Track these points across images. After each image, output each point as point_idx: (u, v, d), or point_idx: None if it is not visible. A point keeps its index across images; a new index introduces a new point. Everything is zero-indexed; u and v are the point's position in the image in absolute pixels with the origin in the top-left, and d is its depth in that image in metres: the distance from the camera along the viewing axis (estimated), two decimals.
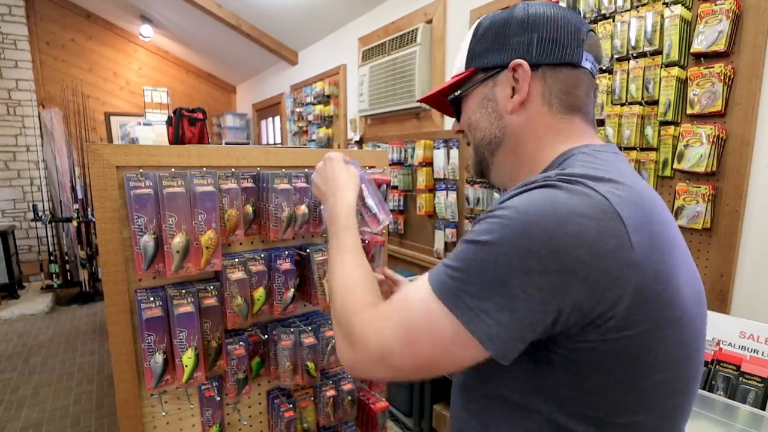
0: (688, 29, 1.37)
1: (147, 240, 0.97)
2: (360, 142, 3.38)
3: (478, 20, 0.64)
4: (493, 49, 0.61)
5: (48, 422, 2.32)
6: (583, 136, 0.59)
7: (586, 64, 0.58)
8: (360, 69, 3.12)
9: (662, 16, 1.39)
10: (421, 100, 0.73)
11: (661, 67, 1.42)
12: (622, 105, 1.54)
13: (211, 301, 1.07)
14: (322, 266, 1.20)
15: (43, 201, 4.46)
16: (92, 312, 4.00)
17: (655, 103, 1.45)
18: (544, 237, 0.43)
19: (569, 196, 0.45)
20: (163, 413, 1.11)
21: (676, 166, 1.41)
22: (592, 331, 0.44)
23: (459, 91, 0.66)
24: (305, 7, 3.44)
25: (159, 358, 1.01)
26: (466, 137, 0.68)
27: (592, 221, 0.43)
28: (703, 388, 1.21)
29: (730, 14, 1.26)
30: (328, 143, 3.89)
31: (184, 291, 1.03)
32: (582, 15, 1.65)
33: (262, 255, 1.15)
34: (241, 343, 1.14)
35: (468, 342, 0.45)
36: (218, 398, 1.15)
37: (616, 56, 1.54)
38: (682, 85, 1.39)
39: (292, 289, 1.17)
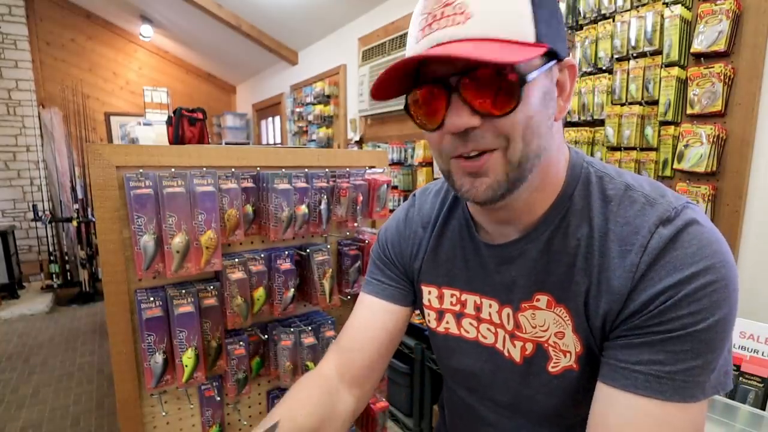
0: (688, 29, 1.37)
1: (147, 240, 0.97)
2: (360, 142, 3.38)
3: None
4: (560, 29, 0.48)
5: (48, 422, 2.32)
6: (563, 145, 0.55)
7: None
8: (360, 69, 3.12)
9: (662, 16, 1.39)
10: (476, 60, 0.40)
11: (661, 67, 1.42)
12: (622, 105, 1.54)
13: (211, 301, 1.07)
14: (322, 266, 1.20)
15: (43, 201, 4.46)
16: (92, 312, 4.00)
17: (655, 103, 1.45)
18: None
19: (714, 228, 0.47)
20: (163, 413, 1.11)
21: (676, 166, 1.41)
22: None
23: (532, 72, 0.45)
24: (305, 7, 3.44)
25: (159, 358, 1.00)
26: (476, 138, 0.46)
27: None
28: None
29: (730, 14, 1.26)
30: (328, 143, 3.89)
31: (184, 291, 1.03)
32: (582, 15, 1.65)
33: (262, 255, 1.15)
34: (241, 343, 1.14)
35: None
36: (218, 398, 1.15)
37: (616, 56, 1.54)
38: (682, 85, 1.39)
39: (292, 289, 1.17)
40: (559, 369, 0.54)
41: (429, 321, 0.69)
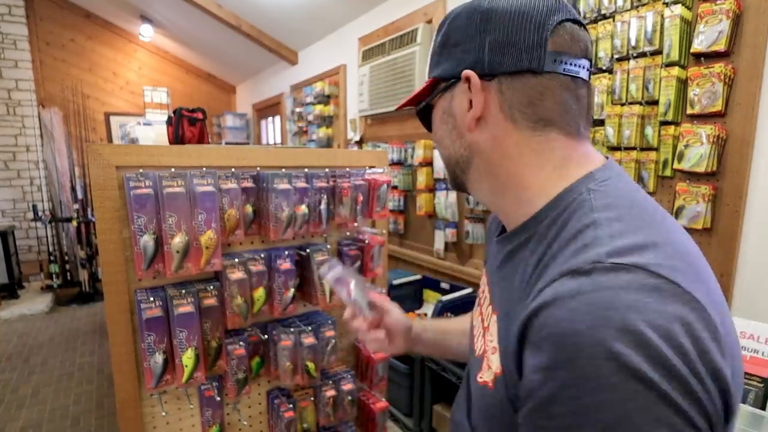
0: (688, 29, 1.37)
1: (147, 240, 0.97)
2: (360, 142, 3.38)
3: (448, 14, 0.56)
4: (451, 54, 0.54)
5: (48, 422, 2.32)
6: (568, 155, 0.50)
7: (557, 67, 0.48)
8: (360, 69, 3.12)
9: (662, 16, 1.39)
10: (398, 108, 0.68)
11: (662, 67, 1.42)
12: (622, 105, 1.54)
13: (211, 301, 1.07)
14: (322, 266, 1.20)
15: (43, 201, 4.46)
16: (92, 312, 4.00)
17: (655, 103, 1.45)
18: None
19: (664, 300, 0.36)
20: (163, 413, 1.11)
21: (676, 166, 1.41)
22: None
23: (422, 103, 0.61)
24: (305, 7, 3.44)
25: (159, 358, 1.01)
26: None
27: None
28: None
29: (731, 14, 1.25)
30: (328, 143, 3.89)
31: (184, 291, 1.03)
32: (582, 15, 1.65)
33: (262, 255, 1.15)
34: (241, 343, 1.14)
35: None
36: (218, 398, 1.15)
37: (616, 56, 1.54)
38: (682, 85, 1.39)
39: (292, 289, 1.17)
40: (481, 382, 0.52)
41: None
